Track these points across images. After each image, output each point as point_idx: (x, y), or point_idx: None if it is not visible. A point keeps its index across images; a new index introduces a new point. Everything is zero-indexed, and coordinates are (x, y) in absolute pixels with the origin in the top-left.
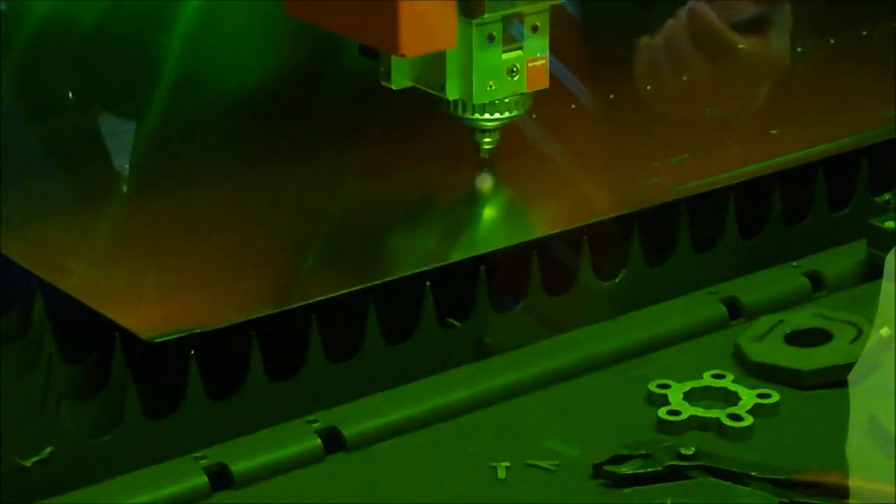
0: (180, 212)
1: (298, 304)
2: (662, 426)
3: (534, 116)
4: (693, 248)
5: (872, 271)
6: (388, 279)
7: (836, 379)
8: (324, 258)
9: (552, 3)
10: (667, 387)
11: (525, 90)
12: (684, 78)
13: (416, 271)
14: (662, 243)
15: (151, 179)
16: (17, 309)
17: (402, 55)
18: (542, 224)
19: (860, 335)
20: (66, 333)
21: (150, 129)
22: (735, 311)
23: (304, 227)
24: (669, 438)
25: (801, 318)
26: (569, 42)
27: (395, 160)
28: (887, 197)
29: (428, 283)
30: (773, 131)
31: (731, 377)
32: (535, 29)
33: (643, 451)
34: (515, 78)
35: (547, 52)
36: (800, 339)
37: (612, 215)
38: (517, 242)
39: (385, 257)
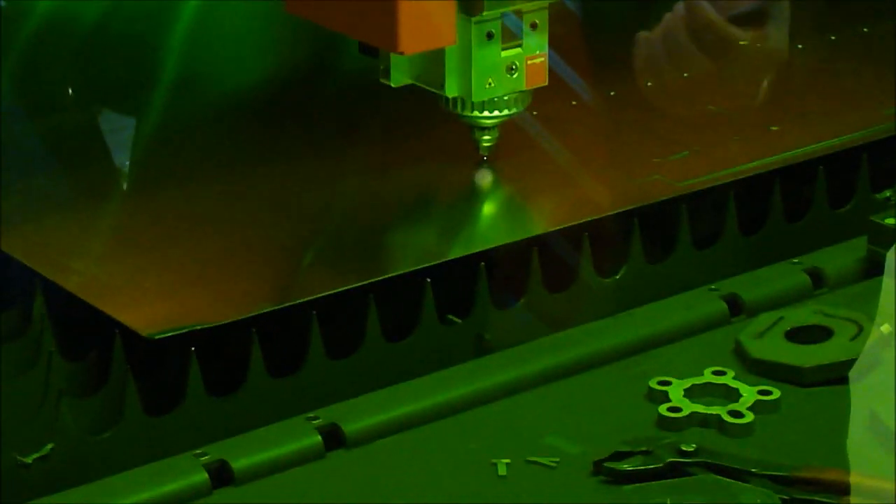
0: (181, 210)
1: (299, 302)
2: (663, 423)
3: (534, 113)
4: (694, 245)
5: (873, 268)
6: (388, 276)
7: (836, 376)
8: (324, 256)
9: (551, 0)
10: (667, 383)
11: (524, 88)
12: (685, 75)
13: (416, 268)
14: (663, 240)
15: (152, 178)
16: (17, 306)
17: (402, 53)
18: (543, 221)
19: (861, 332)
20: (67, 331)
21: (150, 127)
22: (736, 307)
23: (305, 225)
24: (670, 435)
25: (802, 315)
26: (569, 39)
27: (395, 158)
28: (888, 194)
29: (428, 280)
30: (774, 128)
31: (731, 374)
32: (534, 26)
33: (644, 448)
34: (514, 75)
35: (546, 50)
36: (800, 335)
37: (612, 212)
38: (518, 239)
39: (385, 254)
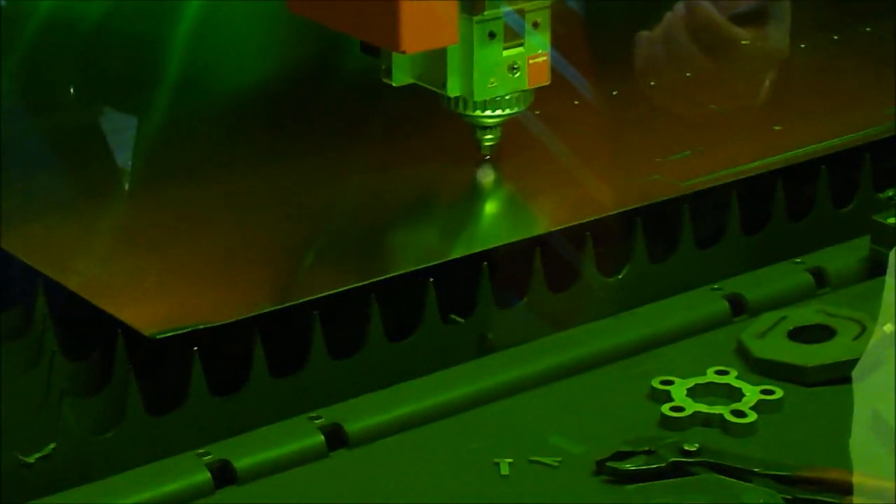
0: (183, 209)
1: (301, 301)
2: (666, 422)
3: (537, 112)
4: (696, 245)
5: (876, 268)
6: (390, 276)
7: (839, 375)
8: (326, 255)
9: None
10: (670, 383)
11: (526, 87)
12: (687, 74)
13: (418, 268)
14: (665, 240)
15: (154, 177)
16: (19, 306)
17: (404, 52)
18: (545, 220)
19: (863, 332)
20: (69, 330)
21: (153, 126)
22: (738, 307)
23: (307, 225)
24: (673, 435)
25: (805, 315)
26: (571, 38)
27: (397, 157)
28: (890, 193)
29: (431, 280)
30: (777, 128)
31: (734, 373)
32: (536, 25)
33: (646, 448)
34: (516, 75)
35: (548, 49)
36: (803, 335)
37: (615, 211)
38: (520, 239)
39: (387, 254)
